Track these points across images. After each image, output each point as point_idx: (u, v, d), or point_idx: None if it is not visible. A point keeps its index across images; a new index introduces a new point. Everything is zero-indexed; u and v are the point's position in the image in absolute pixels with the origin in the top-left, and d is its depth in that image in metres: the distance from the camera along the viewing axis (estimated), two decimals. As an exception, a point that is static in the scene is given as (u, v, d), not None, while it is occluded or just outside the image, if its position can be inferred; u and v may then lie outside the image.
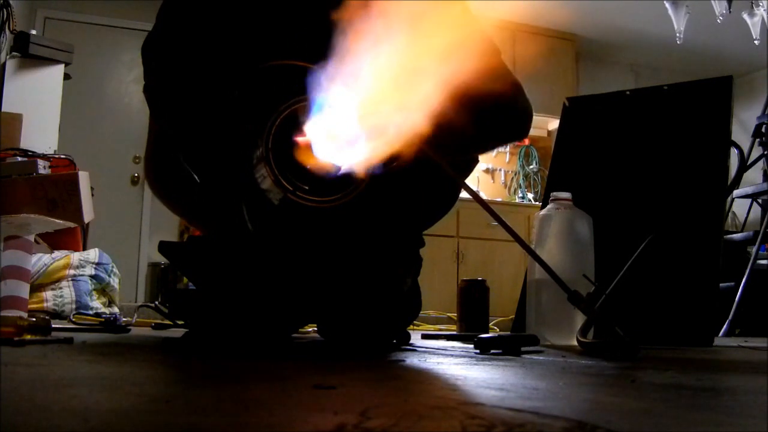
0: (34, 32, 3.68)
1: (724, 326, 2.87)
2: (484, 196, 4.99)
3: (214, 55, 1.14)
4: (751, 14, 4.14)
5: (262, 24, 1.15)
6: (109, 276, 2.71)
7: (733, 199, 4.27)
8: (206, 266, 1.11)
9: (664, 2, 4.19)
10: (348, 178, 1.00)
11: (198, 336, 1.06)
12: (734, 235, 3.86)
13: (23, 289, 1.58)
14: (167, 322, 1.81)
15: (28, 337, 0.91)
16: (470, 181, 1.28)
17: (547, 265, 1.13)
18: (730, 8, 3.90)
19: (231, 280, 1.07)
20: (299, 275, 1.04)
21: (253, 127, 1.06)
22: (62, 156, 3.09)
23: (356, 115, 0.97)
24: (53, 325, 1.05)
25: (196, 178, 1.17)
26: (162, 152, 1.24)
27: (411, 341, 1.26)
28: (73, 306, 2.45)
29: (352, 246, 1.01)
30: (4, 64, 3.52)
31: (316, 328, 1.44)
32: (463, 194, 1.19)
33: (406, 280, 1.14)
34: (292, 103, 1.03)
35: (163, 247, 1.11)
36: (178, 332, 1.22)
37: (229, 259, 1.08)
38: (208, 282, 1.12)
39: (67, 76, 3.67)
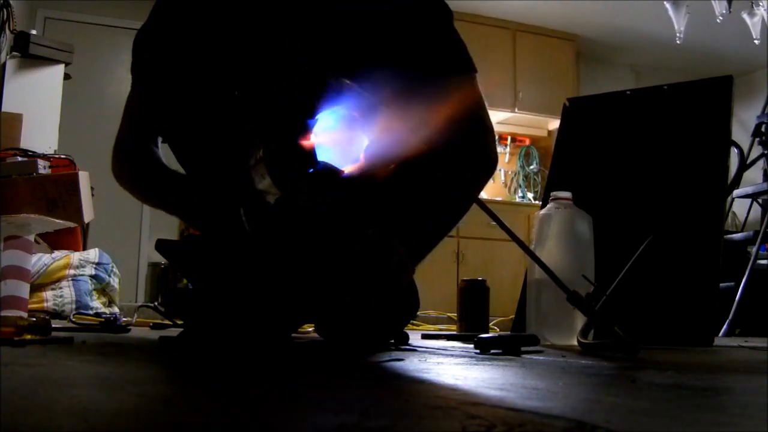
0: (34, 32, 3.67)
1: (724, 326, 2.87)
2: (484, 195, 4.99)
3: (214, 53, 1.14)
4: (751, 14, 4.14)
5: (264, 23, 1.15)
6: (109, 276, 2.71)
7: (733, 199, 4.27)
8: (203, 264, 1.11)
9: (664, 2, 4.19)
10: (348, 179, 1.00)
11: (194, 335, 1.06)
12: (734, 235, 3.86)
13: (23, 289, 1.58)
14: (167, 321, 1.81)
15: (28, 337, 0.91)
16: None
17: (545, 266, 1.13)
18: (730, 8, 3.90)
19: (228, 279, 1.07)
20: (296, 275, 1.04)
21: (253, 127, 1.06)
22: (62, 156, 3.09)
23: (358, 118, 0.97)
24: (53, 325, 1.05)
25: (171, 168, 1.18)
26: (139, 142, 1.23)
27: (411, 341, 1.26)
28: (73, 306, 2.45)
29: (349, 247, 1.01)
30: (4, 64, 3.52)
31: (314, 328, 1.43)
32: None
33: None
34: (293, 105, 1.03)
35: (161, 244, 1.11)
36: (176, 332, 1.22)
37: (226, 258, 1.08)
38: (205, 281, 1.12)
39: (67, 76, 3.66)
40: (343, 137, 1.00)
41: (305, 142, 0.97)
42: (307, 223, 1.03)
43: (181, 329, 1.14)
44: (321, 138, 0.98)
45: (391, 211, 1.07)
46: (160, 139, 1.25)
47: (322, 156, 0.98)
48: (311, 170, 0.97)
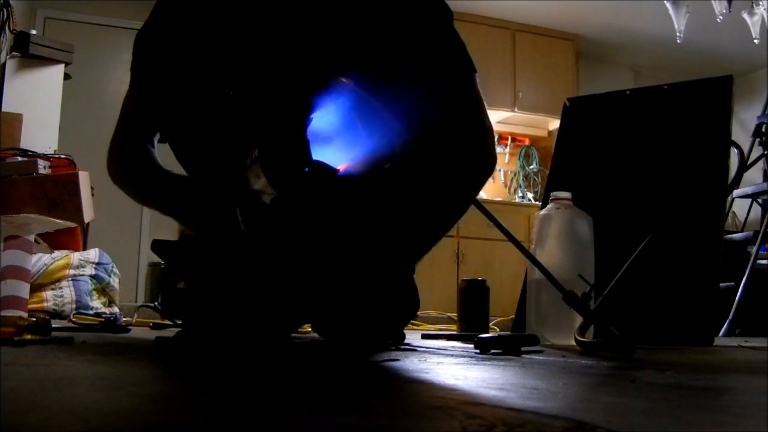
0: (34, 32, 3.67)
1: (724, 326, 2.87)
2: (483, 195, 4.99)
3: (211, 53, 1.14)
4: (751, 13, 4.14)
5: (263, 22, 1.15)
6: (109, 276, 2.71)
7: (733, 199, 4.27)
8: (198, 265, 1.10)
9: (664, 2, 4.19)
10: (344, 179, 1.00)
11: (191, 335, 1.06)
12: (734, 235, 3.86)
13: (23, 289, 1.58)
14: (166, 321, 1.80)
15: (28, 337, 0.91)
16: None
17: (542, 265, 1.13)
18: (730, 8, 3.90)
19: (224, 279, 1.07)
20: (293, 276, 1.03)
21: (249, 127, 1.06)
22: (62, 156, 3.08)
23: (355, 118, 0.97)
24: (53, 325, 1.05)
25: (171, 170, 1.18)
26: (136, 141, 1.23)
27: (410, 341, 1.26)
28: (73, 306, 2.45)
29: (346, 247, 1.01)
30: (4, 64, 3.52)
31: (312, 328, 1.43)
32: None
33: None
34: (290, 104, 1.03)
35: (157, 245, 1.10)
36: (174, 332, 1.22)
37: (221, 258, 1.08)
38: (201, 281, 1.12)
39: (67, 76, 3.66)
40: (339, 136, 1.01)
41: (301, 142, 0.97)
42: (303, 223, 1.03)
43: (179, 329, 1.14)
44: (317, 137, 0.98)
45: (388, 211, 1.07)
46: (156, 139, 1.25)
47: (318, 155, 0.98)
48: (307, 170, 0.97)
